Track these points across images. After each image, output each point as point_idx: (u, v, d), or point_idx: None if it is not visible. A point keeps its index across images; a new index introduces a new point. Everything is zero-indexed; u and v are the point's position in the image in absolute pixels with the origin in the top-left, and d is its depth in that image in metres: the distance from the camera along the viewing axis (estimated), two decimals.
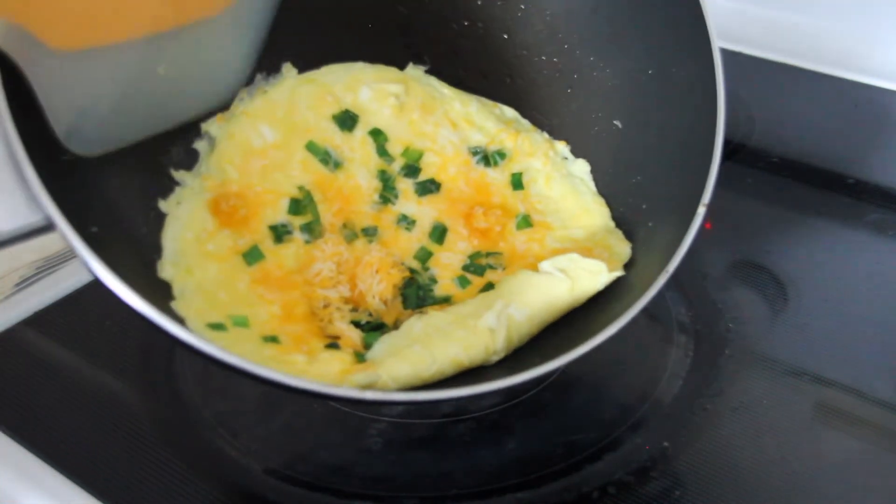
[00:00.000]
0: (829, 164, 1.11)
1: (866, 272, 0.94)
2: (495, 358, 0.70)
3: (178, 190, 0.78)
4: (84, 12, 0.71)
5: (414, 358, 0.67)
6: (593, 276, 0.73)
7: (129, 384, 0.80)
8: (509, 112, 0.91)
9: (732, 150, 1.11)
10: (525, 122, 0.91)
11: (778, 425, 0.77)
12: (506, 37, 0.91)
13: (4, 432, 0.74)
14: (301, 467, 0.73)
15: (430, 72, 0.90)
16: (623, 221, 0.82)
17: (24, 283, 0.88)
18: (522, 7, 0.90)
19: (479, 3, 0.91)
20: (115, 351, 0.83)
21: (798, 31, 1.26)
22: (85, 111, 0.71)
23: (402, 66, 0.90)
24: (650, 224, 0.79)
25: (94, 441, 0.75)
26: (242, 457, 0.73)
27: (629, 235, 0.81)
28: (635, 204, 0.82)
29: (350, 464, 0.73)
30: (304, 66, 0.87)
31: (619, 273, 0.74)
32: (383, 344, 0.70)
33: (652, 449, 0.74)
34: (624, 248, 0.79)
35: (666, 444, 0.74)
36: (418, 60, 0.90)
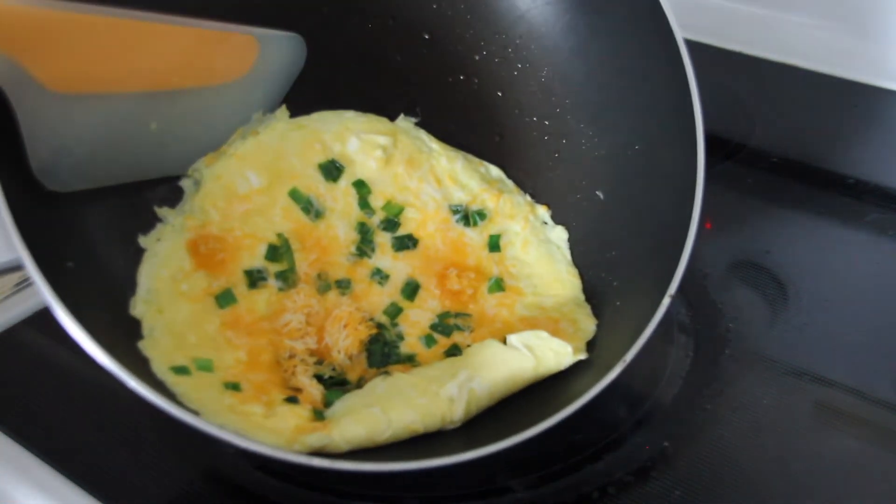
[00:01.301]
0: (829, 164, 1.10)
1: (866, 272, 0.94)
2: (451, 427, 0.71)
3: (159, 226, 0.79)
4: (86, 61, 0.72)
5: (370, 421, 0.68)
6: (558, 356, 0.74)
7: None
8: (494, 171, 0.91)
9: (732, 150, 1.11)
10: (509, 183, 0.91)
11: (778, 425, 0.77)
12: (500, 94, 0.92)
13: (4, 432, 0.74)
14: (301, 467, 0.72)
15: (420, 123, 0.91)
16: (593, 295, 0.83)
17: (24, 283, 0.88)
18: (519, 66, 0.91)
19: (477, 58, 0.91)
20: None
21: (798, 31, 1.26)
22: (64, 150, 0.72)
23: (393, 116, 0.90)
24: (618, 303, 0.80)
25: (94, 441, 0.75)
26: (242, 456, 0.73)
27: (597, 311, 0.81)
28: (607, 280, 0.83)
29: None
30: (296, 109, 0.87)
31: (583, 356, 0.75)
32: (344, 403, 0.71)
33: (652, 449, 0.74)
34: (589, 325, 0.80)
35: (666, 444, 0.74)
36: (410, 111, 0.91)
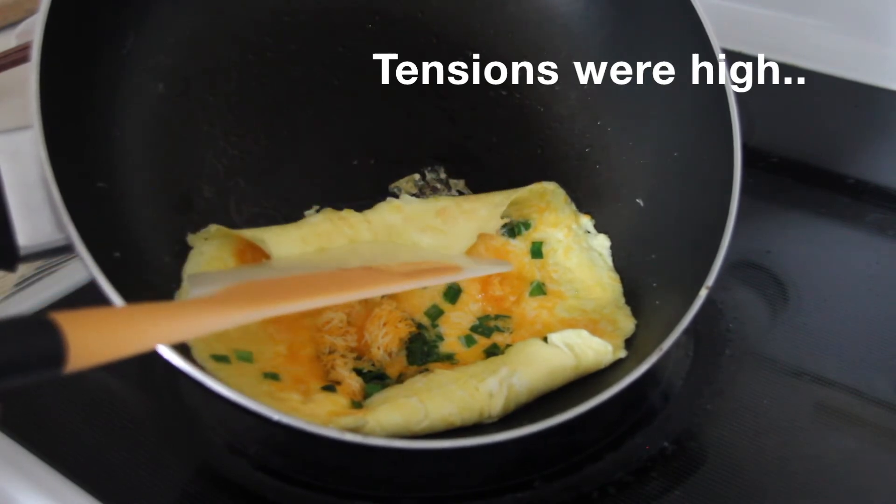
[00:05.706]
0: (829, 164, 1.10)
1: (866, 272, 0.94)
2: (488, 421, 0.71)
3: (210, 226, 0.79)
4: None
5: (407, 409, 0.68)
6: (598, 355, 0.75)
7: (129, 384, 0.80)
8: (549, 185, 0.90)
9: None
10: (560, 192, 0.91)
11: (778, 425, 0.77)
12: (541, 109, 0.93)
13: (4, 432, 0.74)
14: (301, 467, 0.72)
15: (462, 136, 0.92)
16: (632, 297, 0.84)
17: (24, 283, 0.88)
18: (559, 80, 0.92)
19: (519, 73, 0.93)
20: None
21: (798, 31, 1.26)
22: None
23: (436, 129, 0.92)
24: (657, 303, 0.80)
25: (94, 441, 0.75)
26: (242, 456, 0.73)
27: (636, 311, 0.82)
28: (647, 282, 0.83)
29: (350, 464, 0.73)
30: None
31: (622, 354, 0.75)
32: (382, 394, 0.71)
33: (652, 449, 0.74)
34: (628, 324, 0.80)
35: (666, 444, 0.74)
36: (453, 123, 0.92)
